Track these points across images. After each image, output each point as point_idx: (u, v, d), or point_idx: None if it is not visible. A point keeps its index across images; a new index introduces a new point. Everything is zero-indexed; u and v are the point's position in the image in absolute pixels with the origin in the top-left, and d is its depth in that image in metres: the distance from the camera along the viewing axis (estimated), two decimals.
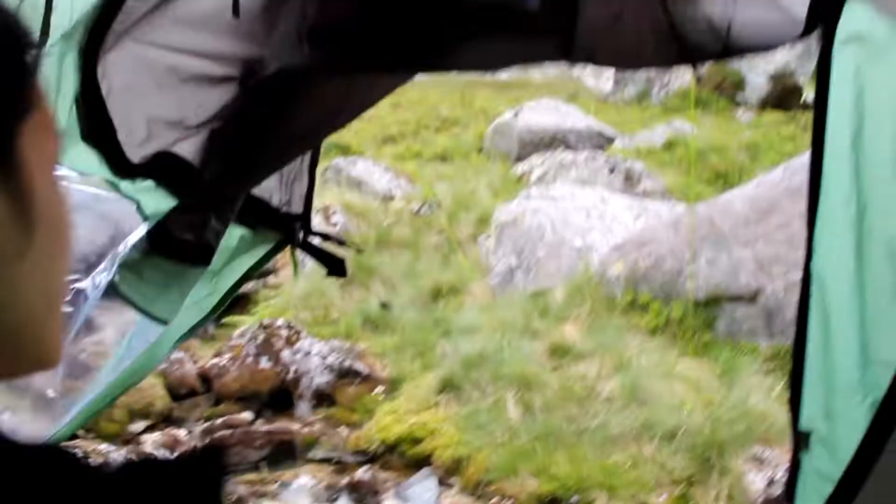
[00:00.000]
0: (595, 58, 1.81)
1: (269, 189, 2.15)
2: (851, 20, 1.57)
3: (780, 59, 15.15)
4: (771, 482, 4.54)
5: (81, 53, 1.54)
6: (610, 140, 13.20)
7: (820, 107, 1.68)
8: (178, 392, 6.21)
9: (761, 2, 1.62)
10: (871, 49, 1.57)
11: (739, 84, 15.53)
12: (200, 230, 1.78)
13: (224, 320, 7.71)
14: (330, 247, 2.29)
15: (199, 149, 1.80)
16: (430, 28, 1.62)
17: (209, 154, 1.80)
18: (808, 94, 13.98)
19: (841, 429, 1.82)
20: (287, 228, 2.17)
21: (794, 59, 15.37)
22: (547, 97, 15.24)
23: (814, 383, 1.88)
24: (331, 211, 9.81)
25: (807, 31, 1.61)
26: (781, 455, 4.66)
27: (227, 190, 1.85)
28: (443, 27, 1.62)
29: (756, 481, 4.59)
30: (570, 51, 1.72)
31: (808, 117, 13.60)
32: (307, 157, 2.20)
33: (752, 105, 15.22)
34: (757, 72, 15.35)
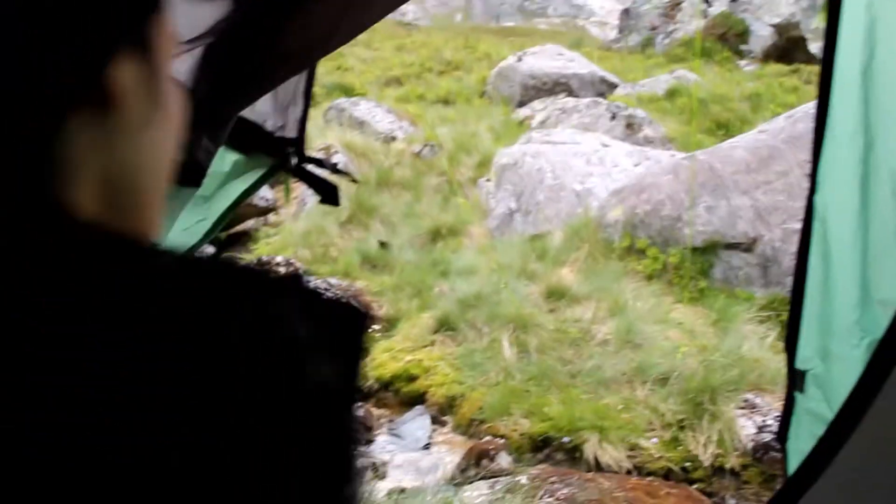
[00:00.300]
0: None
1: (264, 113, 2.09)
2: None
3: (785, 10, 14.93)
4: (761, 428, 4.57)
5: None
6: (612, 87, 13.07)
7: (830, 38, 1.63)
8: None
9: None
10: None
11: (744, 34, 15.31)
12: (191, 149, 1.73)
13: (223, 257, 7.71)
14: (325, 175, 2.24)
15: (190, 67, 1.74)
16: None
17: (201, 72, 1.74)
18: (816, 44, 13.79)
19: (837, 369, 1.79)
20: (281, 153, 2.12)
21: (800, 11, 15.15)
22: (551, 44, 15.06)
23: (811, 323, 1.85)
24: (332, 150, 9.74)
25: None
26: (773, 401, 4.68)
27: (218, 109, 1.80)
28: None
29: (747, 426, 4.61)
30: None
31: (810, 70, 13.42)
32: (302, 80, 2.14)
33: (755, 56, 15.03)
34: (762, 22, 15.14)
